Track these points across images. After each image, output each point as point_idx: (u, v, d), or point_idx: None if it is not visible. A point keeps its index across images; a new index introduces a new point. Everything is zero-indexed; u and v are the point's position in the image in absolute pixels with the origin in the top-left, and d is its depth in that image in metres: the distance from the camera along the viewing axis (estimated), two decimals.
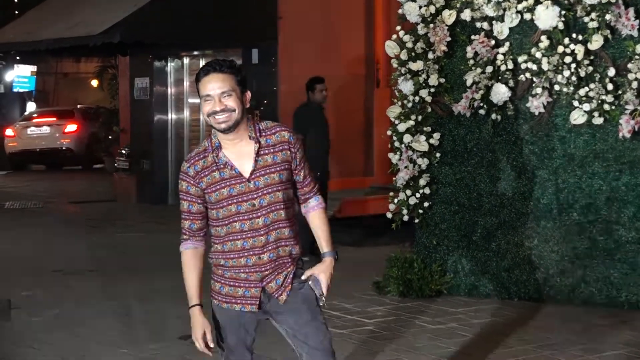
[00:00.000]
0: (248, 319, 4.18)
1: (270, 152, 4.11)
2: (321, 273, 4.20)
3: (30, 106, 26.85)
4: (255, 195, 4.07)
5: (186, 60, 16.61)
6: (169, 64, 16.76)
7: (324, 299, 4.19)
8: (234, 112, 4.05)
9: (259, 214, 4.07)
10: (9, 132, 25.30)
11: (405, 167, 8.68)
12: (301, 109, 10.97)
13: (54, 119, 25.13)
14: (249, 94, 4.15)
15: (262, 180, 4.08)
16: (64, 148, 25.01)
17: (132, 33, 14.03)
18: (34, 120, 25.64)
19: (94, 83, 32.82)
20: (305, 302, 4.17)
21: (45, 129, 25.07)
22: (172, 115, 16.81)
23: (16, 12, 25.17)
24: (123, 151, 18.04)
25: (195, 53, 16.36)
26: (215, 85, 4.05)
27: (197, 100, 18.24)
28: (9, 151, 25.13)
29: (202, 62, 16.17)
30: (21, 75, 32.48)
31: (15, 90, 30.50)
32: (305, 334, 4.15)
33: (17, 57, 23.87)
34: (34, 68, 33.16)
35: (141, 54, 16.67)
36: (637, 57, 7.75)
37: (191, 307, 4.14)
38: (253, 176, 4.07)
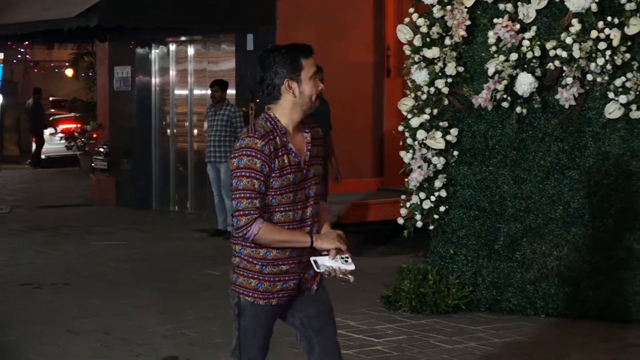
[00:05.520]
0: (275, 313, 4.58)
1: (315, 144, 4.57)
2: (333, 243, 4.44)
3: None
4: (307, 184, 4.51)
5: (172, 47, 16.61)
6: (153, 51, 16.78)
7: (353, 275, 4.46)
8: None
9: (308, 203, 4.51)
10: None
11: (419, 167, 8.68)
12: None
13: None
14: None
15: (313, 170, 4.53)
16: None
17: (111, 16, 14.03)
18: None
19: (69, 72, 32.88)
20: (326, 293, 4.66)
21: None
22: (156, 109, 16.79)
23: None
24: (101, 149, 18.05)
25: (183, 39, 16.36)
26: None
27: (184, 92, 17.97)
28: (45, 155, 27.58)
29: (190, 49, 16.19)
30: None
31: None
32: (322, 323, 4.62)
33: None
34: (0, 55, 33.21)
35: (122, 39, 16.69)
36: None
37: (311, 240, 4.41)
38: (307, 165, 4.50)
